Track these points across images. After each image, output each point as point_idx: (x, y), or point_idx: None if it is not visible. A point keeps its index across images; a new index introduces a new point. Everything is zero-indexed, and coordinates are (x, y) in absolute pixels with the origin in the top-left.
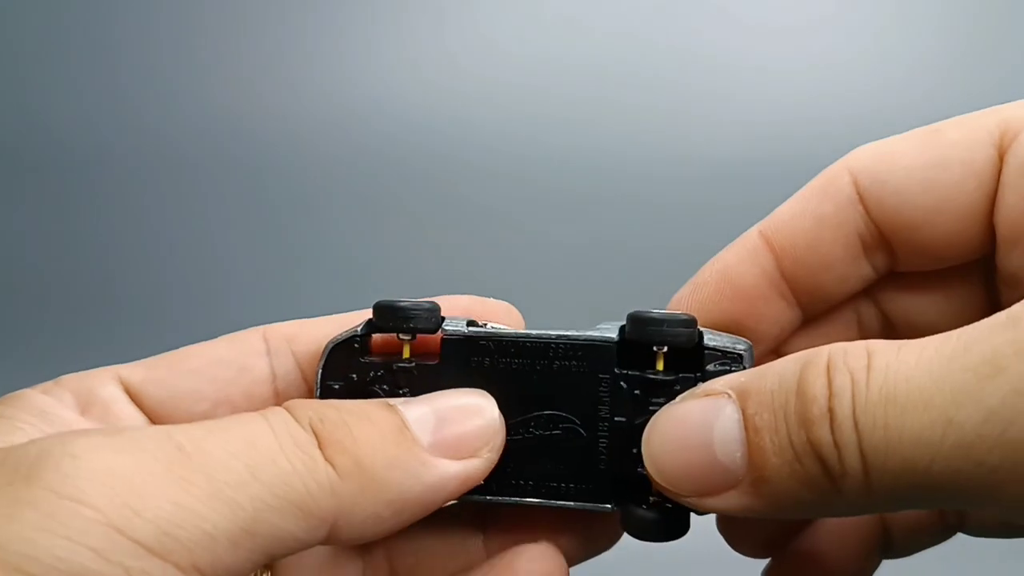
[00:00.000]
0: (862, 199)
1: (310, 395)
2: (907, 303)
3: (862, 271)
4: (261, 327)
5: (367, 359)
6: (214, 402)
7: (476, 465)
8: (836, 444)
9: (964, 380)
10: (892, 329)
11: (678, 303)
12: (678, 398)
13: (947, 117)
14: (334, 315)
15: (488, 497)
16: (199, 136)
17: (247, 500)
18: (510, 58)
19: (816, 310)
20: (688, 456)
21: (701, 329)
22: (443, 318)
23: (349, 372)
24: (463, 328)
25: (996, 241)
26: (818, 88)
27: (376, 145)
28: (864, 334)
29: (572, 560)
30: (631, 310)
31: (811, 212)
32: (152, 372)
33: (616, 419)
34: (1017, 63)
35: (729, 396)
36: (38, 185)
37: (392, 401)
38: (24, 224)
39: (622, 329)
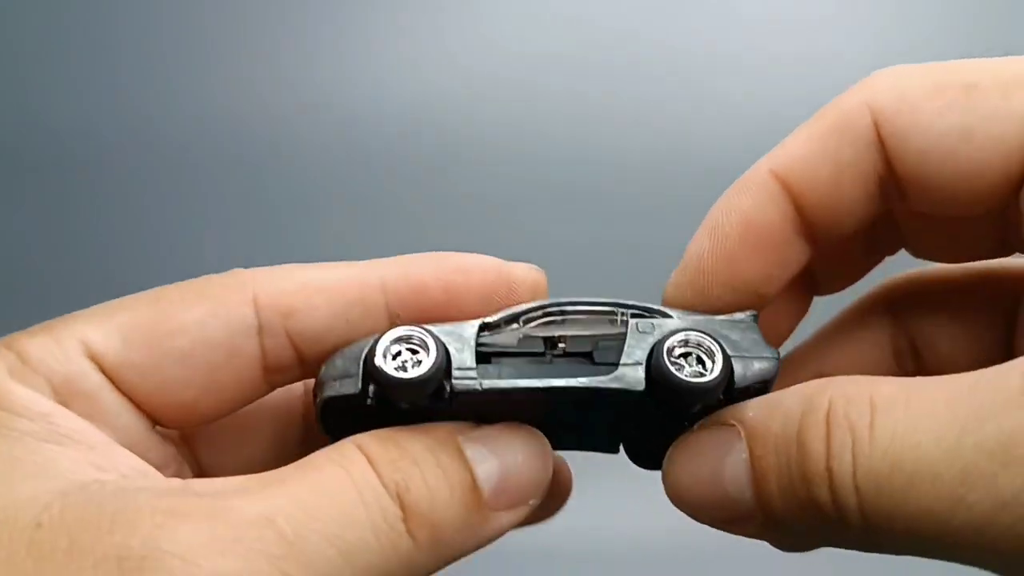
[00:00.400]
0: (883, 147)
1: (299, 366)
2: (931, 328)
3: (879, 208)
4: (253, 280)
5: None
6: (201, 388)
7: (524, 512)
8: (836, 504)
9: (976, 462)
10: (915, 346)
11: (699, 257)
12: (695, 426)
13: None
14: (334, 266)
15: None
16: (199, 135)
17: None
18: (511, 55)
19: (830, 246)
20: (702, 490)
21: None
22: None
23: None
24: (475, 384)
25: (1020, 221)
26: (820, 85)
27: (376, 142)
28: (893, 345)
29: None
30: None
31: (830, 156)
32: (132, 353)
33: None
34: None
35: (739, 432)
36: (38, 185)
37: (463, 444)
38: (24, 224)
39: (648, 369)
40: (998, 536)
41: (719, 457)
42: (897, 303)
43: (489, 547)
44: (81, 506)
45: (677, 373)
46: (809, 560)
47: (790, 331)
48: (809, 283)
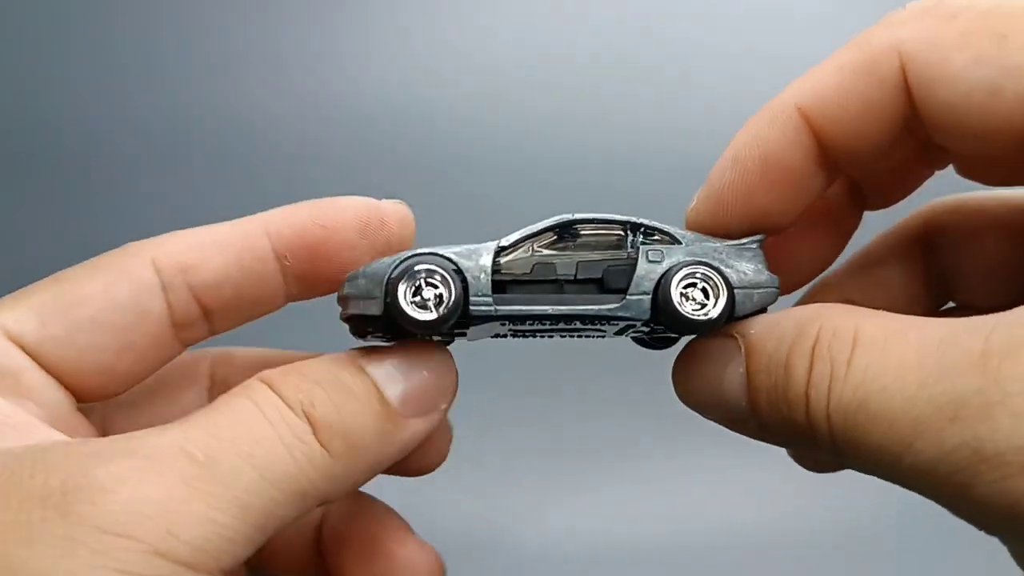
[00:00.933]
0: (910, 92)
1: (205, 321)
2: (966, 260)
3: (905, 147)
4: (148, 248)
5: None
6: (116, 351)
7: (436, 418)
8: (810, 426)
9: (927, 414)
10: (947, 278)
11: (719, 188)
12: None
13: None
14: (221, 225)
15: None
16: (198, 134)
17: (259, 502)
18: (511, 54)
19: (849, 172)
20: (706, 394)
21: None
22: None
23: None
24: (491, 311)
25: None
26: None
27: (376, 141)
28: (925, 275)
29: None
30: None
31: (857, 96)
32: (47, 328)
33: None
34: None
35: (740, 346)
36: (38, 185)
37: (365, 364)
38: (24, 224)
39: (654, 300)
40: (940, 481)
41: (721, 366)
42: (933, 232)
43: (489, 548)
44: (0, 460)
45: (681, 308)
46: (809, 560)
47: (839, 250)
48: (858, 199)
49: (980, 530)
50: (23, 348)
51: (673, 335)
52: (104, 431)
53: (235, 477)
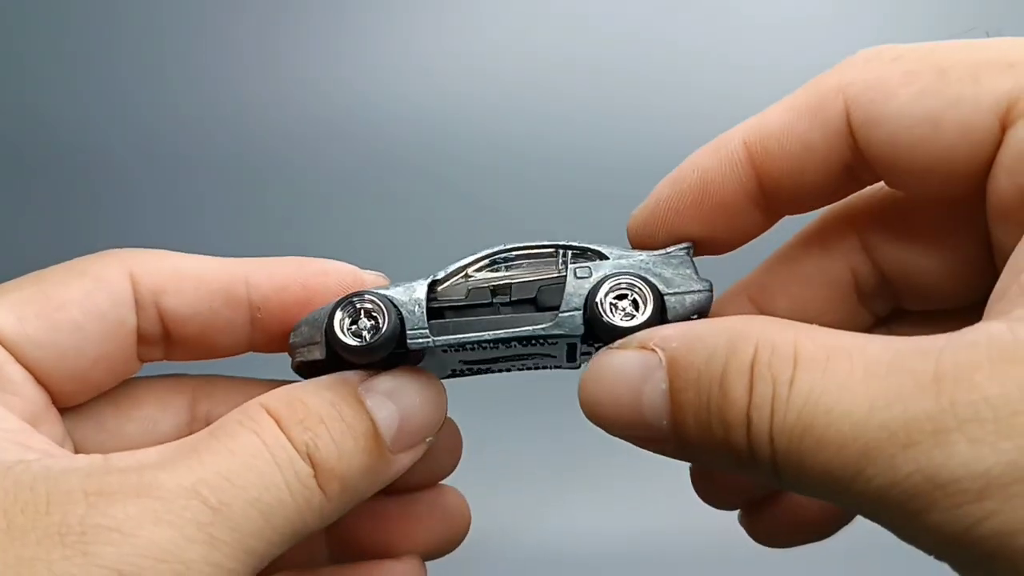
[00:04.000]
0: (853, 132)
1: (165, 349)
2: (900, 253)
3: (845, 189)
4: (127, 259)
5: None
6: (94, 359)
7: (422, 450)
8: (750, 449)
9: (879, 439)
10: (883, 272)
11: (657, 203)
12: (616, 344)
13: None
14: (204, 259)
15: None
16: (198, 134)
17: (261, 546)
18: (511, 54)
19: (787, 214)
20: (620, 411)
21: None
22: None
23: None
24: (428, 342)
25: (986, 207)
26: None
27: (376, 142)
28: (856, 269)
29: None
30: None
31: (798, 137)
32: (27, 327)
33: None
34: None
35: (660, 359)
36: (38, 185)
37: (364, 396)
38: (24, 224)
39: (584, 314)
40: (891, 507)
41: (638, 381)
42: (863, 222)
43: (488, 550)
44: (12, 489)
45: (610, 319)
46: (810, 561)
47: (738, 246)
48: (773, 203)
49: (930, 556)
50: (1, 342)
51: None
52: (72, 442)
53: (244, 523)
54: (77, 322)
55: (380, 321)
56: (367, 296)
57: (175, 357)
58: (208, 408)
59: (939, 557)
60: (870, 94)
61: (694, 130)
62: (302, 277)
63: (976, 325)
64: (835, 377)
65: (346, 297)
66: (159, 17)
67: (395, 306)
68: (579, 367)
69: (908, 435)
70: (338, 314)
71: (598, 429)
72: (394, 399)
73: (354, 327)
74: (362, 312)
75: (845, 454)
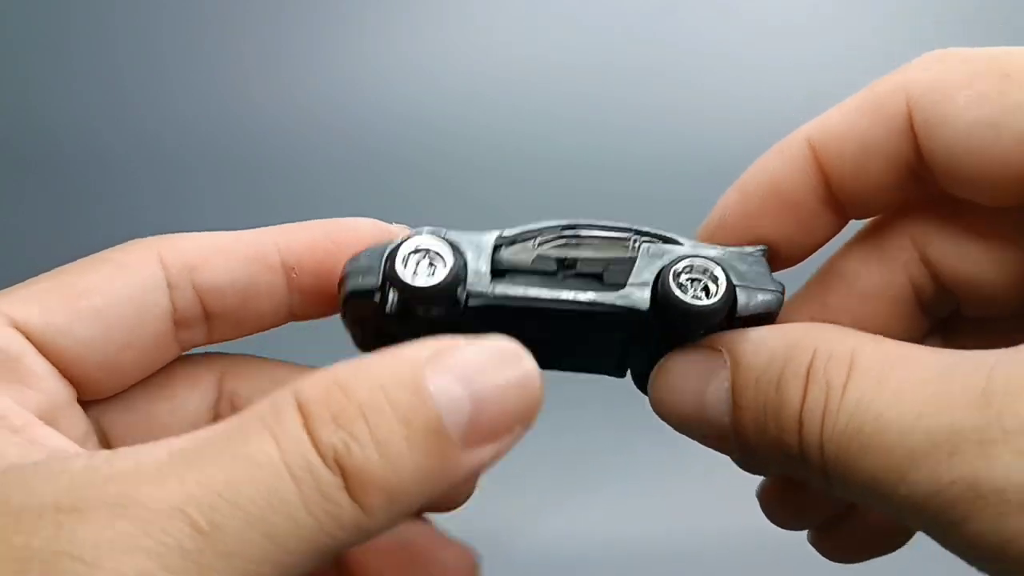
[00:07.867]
0: (915, 133)
1: (205, 325)
2: (960, 262)
3: (911, 192)
4: (154, 244)
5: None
6: (119, 347)
7: (511, 441)
8: (801, 452)
9: (924, 446)
10: (943, 281)
11: (724, 210)
12: (687, 345)
13: None
14: (230, 233)
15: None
16: (198, 135)
17: (270, 568)
18: (511, 54)
19: (854, 217)
20: (686, 409)
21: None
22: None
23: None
24: (488, 289)
25: None
26: (820, 86)
27: (377, 142)
28: (913, 275)
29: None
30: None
31: (858, 135)
32: (49, 316)
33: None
34: None
35: (725, 360)
36: (38, 185)
37: (427, 374)
38: (24, 224)
39: (654, 290)
40: (934, 514)
41: (703, 380)
42: (922, 231)
43: (489, 551)
44: None
45: (681, 295)
46: (809, 561)
47: (811, 251)
48: (841, 203)
49: (968, 564)
50: (24, 334)
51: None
52: (100, 430)
53: (242, 548)
54: (98, 309)
55: (443, 264)
56: (433, 238)
57: (217, 338)
58: (234, 386)
59: (978, 567)
60: (932, 95)
61: (702, 130)
62: (332, 234)
63: None
64: (887, 385)
65: (410, 236)
66: (159, 17)
67: (461, 252)
68: (625, 376)
69: (953, 444)
70: (401, 251)
71: (599, 430)
72: (467, 377)
73: (415, 267)
74: (426, 255)
75: (890, 459)
